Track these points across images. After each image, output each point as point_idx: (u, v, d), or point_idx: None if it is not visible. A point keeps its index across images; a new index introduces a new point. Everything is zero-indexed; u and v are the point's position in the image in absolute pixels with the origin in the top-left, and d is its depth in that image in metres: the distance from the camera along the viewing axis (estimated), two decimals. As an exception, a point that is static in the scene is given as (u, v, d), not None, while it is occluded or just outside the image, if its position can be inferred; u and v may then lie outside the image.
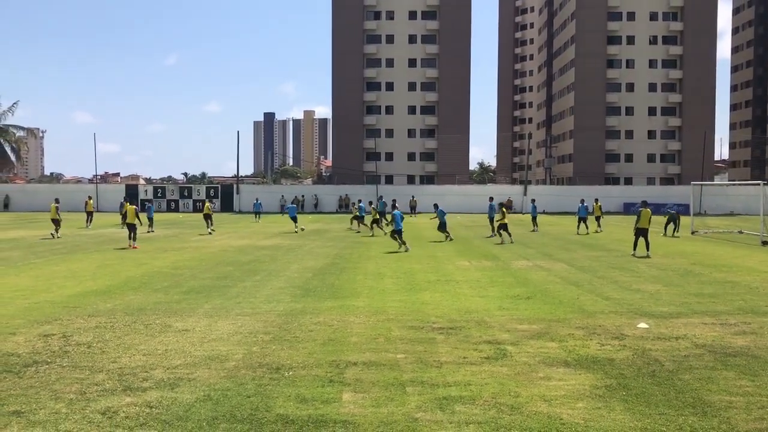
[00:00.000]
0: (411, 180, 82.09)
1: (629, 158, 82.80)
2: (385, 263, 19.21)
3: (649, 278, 16.14)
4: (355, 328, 10.04)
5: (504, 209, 27.46)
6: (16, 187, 69.94)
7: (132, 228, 24.43)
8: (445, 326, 10.23)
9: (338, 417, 6.15)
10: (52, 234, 28.50)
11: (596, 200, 35.53)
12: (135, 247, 23.72)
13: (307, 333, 9.71)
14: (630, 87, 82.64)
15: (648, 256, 20.84)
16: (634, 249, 21.72)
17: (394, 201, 26.67)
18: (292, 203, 38.95)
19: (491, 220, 31.18)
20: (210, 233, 31.45)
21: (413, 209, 54.73)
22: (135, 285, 14.74)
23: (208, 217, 32.95)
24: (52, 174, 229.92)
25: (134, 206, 26.03)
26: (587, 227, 32.66)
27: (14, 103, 72.22)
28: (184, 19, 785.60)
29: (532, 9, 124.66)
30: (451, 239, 27.30)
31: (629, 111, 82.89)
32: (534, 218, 35.25)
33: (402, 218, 24.18)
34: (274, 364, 7.98)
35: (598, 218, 34.38)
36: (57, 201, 29.87)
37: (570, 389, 7.04)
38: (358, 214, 34.28)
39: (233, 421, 6.03)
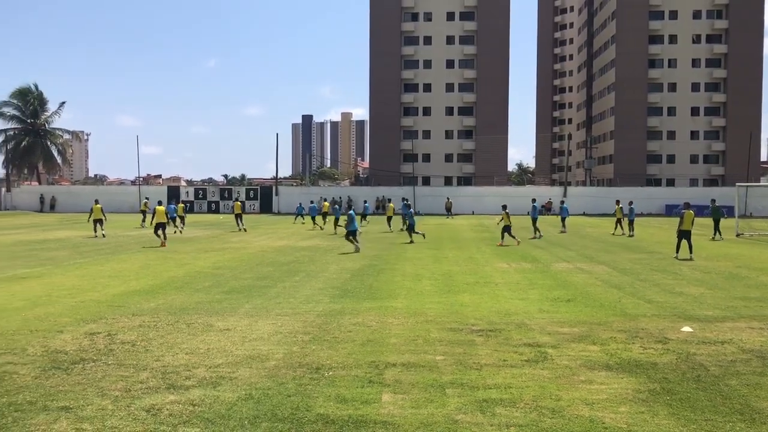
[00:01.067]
0: (448, 181, 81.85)
1: (671, 159, 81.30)
2: (423, 265, 19.19)
3: (692, 281, 15.83)
4: (393, 330, 10.05)
5: (506, 212, 27.22)
6: (62, 189, 71.61)
7: (162, 227, 26.03)
8: (484, 328, 10.18)
9: (378, 418, 6.17)
10: (98, 234, 29.33)
11: (617, 202, 35.19)
12: (164, 245, 25.01)
13: (346, 333, 9.76)
14: (672, 87, 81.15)
15: (691, 259, 20.43)
16: (677, 251, 21.33)
17: (349, 202, 27.34)
18: (312, 203, 39.52)
19: (534, 221, 31.62)
20: (243, 230, 33.62)
21: (449, 211, 54.54)
22: (177, 285, 14.99)
23: (239, 216, 35.06)
24: (96, 176, 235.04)
25: (163, 206, 27.50)
26: (622, 228, 32.38)
27: (61, 105, 74.12)
28: (225, 23, 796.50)
29: (572, 9, 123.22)
30: (411, 242, 27.43)
31: (671, 111, 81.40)
32: (563, 219, 35.30)
33: (355, 219, 24.00)
34: (314, 364, 8.03)
35: (618, 221, 33.80)
36: (97, 202, 30.80)
37: (612, 393, 6.95)
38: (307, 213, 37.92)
39: (274, 420, 6.09)
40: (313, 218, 37.68)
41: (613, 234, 32.44)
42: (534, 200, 33.30)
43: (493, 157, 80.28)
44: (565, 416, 6.24)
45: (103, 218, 30.21)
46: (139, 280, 15.73)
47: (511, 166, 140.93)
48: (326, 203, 39.38)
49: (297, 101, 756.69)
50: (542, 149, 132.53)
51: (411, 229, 28.32)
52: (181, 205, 36.83)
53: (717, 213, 29.83)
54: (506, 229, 26.42)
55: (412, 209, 28.11)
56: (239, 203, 35.92)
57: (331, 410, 6.34)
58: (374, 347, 8.90)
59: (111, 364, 8.04)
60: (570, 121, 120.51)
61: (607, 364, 8.14)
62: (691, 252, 20.88)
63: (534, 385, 7.23)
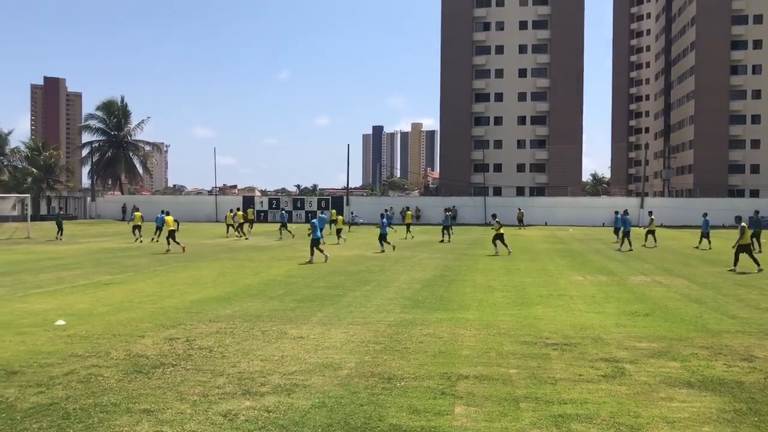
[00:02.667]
0: (520, 192, 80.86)
1: (755, 169, 77.95)
2: (495, 276, 18.98)
3: (780, 297, 15.08)
4: (465, 341, 9.97)
5: (498, 221, 27.77)
6: (143, 198, 74.35)
7: (171, 234, 27.94)
8: (559, 342, 9.98)
9: (451, 430, 6.12)
10: (139, 239, 30.37)
11: (650, 213, 34.26)
12: (169, 251, 27.11)
13: (418, 344, 9.73)
14: (756, 94, 77.93)
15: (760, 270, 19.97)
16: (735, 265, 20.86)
17: (326, 211, 27.96)
18: (322, 214, 39.68)
19: (616, 231, 32.28)
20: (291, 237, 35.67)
21: (520, 221, 53.75)
22: (252, 292, 15.31)
23: (284, 227, 37.07)
24: (174, 186, 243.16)
25: (172, 216, 29.40)
26: (709, 242, 30.81)
27: (143, 120, 77.08)
28: (296, 36, 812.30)
29: (649, 15, 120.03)
30: (382, 251, 27.72)
31: (755, 119, 78.14)
32: (617, 230, 33.72)
33: (318, 228, 23.72)
34: (386, 373, 8.05)
35: (649, 232, 32.52)
36: (137, 209, 32.20)
37: (694, 412, 6.68)
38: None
39: (347, 428, 6.13)
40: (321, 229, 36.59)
41: (696, 247, 30.99)
42: (617, 212, 33.68)
43: (566, 167, 78.90)
44: (644, 435, 6.03)
45: (141, 224, 32.87)
46: (215, 288, 16.15)
47: (586, 177, 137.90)
48: (340, 217, 37.13)
49: (366, 112, 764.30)
50: (618, 159, 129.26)
51: (383, 237, 28.77)
52: (240, 212, 38.86)
53: (759, 225, 28.77)
54: (498, 237, 26.76)
55: (385, 220, 29.76)
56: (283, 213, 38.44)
57: (404, 421, 6.33)
58: (446, 359, 8.85)
59: (189, 369, 8.27)
60: (647, 130, 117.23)
61: (688, 381, 7.84)
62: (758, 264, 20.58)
63: (611, 401, 7.04)
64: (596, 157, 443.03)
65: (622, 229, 30.96)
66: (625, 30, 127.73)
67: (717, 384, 7.72)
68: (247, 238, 35.21)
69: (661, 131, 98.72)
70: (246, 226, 39.04)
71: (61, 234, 35.85)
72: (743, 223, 21.28)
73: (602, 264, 22.90)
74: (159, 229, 33.02)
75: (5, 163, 63.42)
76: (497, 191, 79.26)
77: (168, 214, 30.07)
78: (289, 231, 37.50)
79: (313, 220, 24.38)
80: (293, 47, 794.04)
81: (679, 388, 7.52)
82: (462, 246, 31.92)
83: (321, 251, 23.26)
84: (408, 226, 39.66)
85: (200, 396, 7.10)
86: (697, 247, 30.21)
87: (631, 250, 29.09)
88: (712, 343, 9.94)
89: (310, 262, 22.68)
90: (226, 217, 40.50)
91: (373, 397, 7.06)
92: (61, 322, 11.25)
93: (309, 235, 24.32)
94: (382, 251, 27.74)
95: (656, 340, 10.19)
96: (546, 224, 58.85)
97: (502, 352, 9.26)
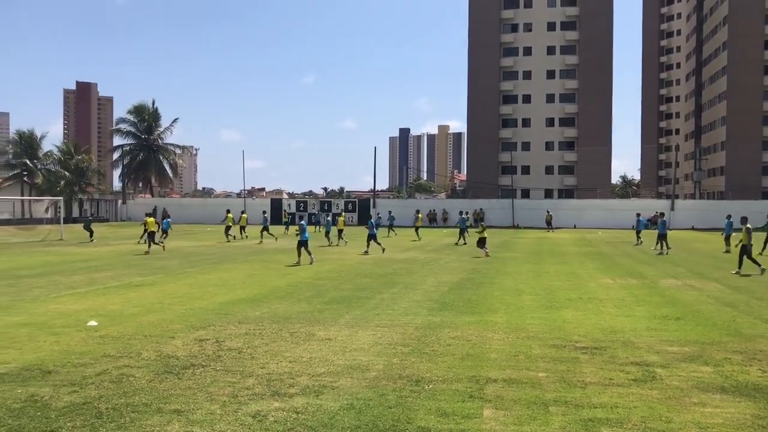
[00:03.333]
0: (549, 194, 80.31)
1: (790, 170, 76.48)
2: (523, 279, 18.87)
3: (816, 301, 14.76)
4: (494, 344, 9.92)
5: (482, 223, 28.53)
6: (172, 201, 75.29)
7: (151, 235, 28.64)
8: (588, 346, 9.88)
9: (480, 433, 6.09)
10: (151, 245, 30.18)
11: (662, 214, 34.13)
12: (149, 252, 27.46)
13: (446, 347, 9.71)
14: (792, 94, 76.45)
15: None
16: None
17: (306, 215, 28.31)
18: (327, 217, 40.38)
19: (638, 233, 33.45)
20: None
21: (549, 224, 53.30)
22: (280, 294, 15.41)
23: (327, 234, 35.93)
24: (203, 189, 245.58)
25: (153, 218, 30.40)
26: (728, 245, 30.23)
27: (174, 121, 77.95)
28: (321, 39, 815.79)
29: (679, 15, 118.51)
30: (366, 252, 28.05)
31: (790, 120, 76.64)
32: (638, 232, 33.98)
33: (306, 230, 23.72)
34: (413, 376, 8.04)
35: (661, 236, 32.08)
36: (148, 215, 32.42)
37: (728, 417, 6.57)
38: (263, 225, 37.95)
39: (376, 431, 6.13)
40: (327, 233, 35.55)
41: (727, 251, 30.43)
42: (639, 214, 35.12)
43: (595, 169, 78.20)
44: (677, 440, 5.95)
45: (156, 230, 31.68)
46: (244, 289, 16.28)
47: (615, 179, 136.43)
48: (341, 218, 37.03)
49: (392, 114, 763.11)
50: (648, 161, 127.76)
51: (372, 238, 28.97)
52: (231, 215, 38.83)
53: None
54: (481, 241, 27.22)
55: (373, 221, 30.62)
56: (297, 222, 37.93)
57: (432, 423, 6.32)
58: (474, 362, 8.82)
59: (219, 369, 8.35)
60: (677, 131, 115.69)
61: (721, 386, 7.71)
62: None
63: (642, 405, 6.95)
64: (626, 159, 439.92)
65: (657, 231, 30.71)
66: (655, 30, 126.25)
67: (752, 389, 7.58)
68: (233, 239, 36.97)
69: (691, 132, 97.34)
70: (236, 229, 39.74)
71: (92, 237, 36.61)
72: (748, 225, 21.07)
73: (632, 267, 22.63)
74: (165, 231, 34.67)
75: (39, 166, 64.52)
76: (525, 193, 78.80)
77: (151, 215, 32.09)
78: (328, 238, 36.36)
79: (301, 222, 24.38)
80: (318, 51, 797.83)
81: (712, 394, 7.40)
82: (490, 249, 31.74)
83: (309, 253, 23.26)
84: (417, 229, 40.75)
85: (230, 397, 7.16)
86: (727, 251, 29.62)
87: (661, 253, 28.72)
88: (745, 348, 9.77)
89: (297, 263, 22.75)
90: (225, 218, 41.00)
91: (402, 400, 7.05)
92: (93, 323, 11.43)
93: (297, 235, 24.75)
94: (366, 252, 28.02)
95: (688, 344, 10.04)
96: (575, 227, 58.32)
97: (530, 356, 9.20)
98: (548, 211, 54.63)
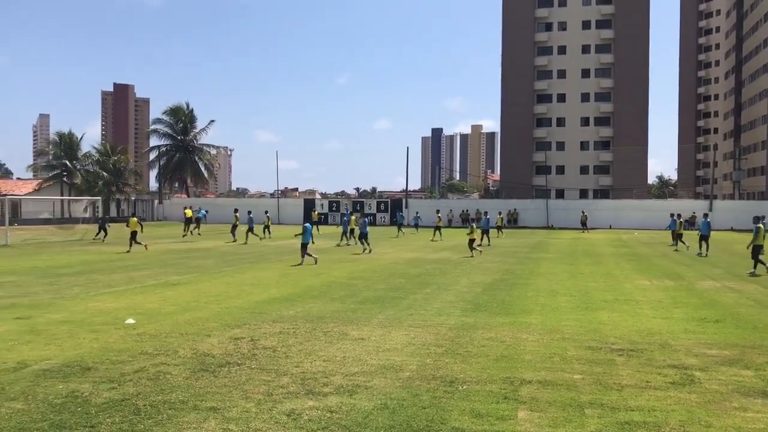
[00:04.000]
0: (584, 194, 79.41)
1: (834, 170, 74.53)
2: (558, 280, 18.69)
3: None
4: (528, 346, 9.84)
5: (473, 225, 28.91)
6: (207, 201, 76.15)
7: (133, 235, 29.13)
8: (625, 348, 9.75)
9: (514, 435, 6.05)
10: (145, 245, 29.89)
11: (678, 215, 33.75)
12: (129, 251, 28.11)
13: (480, 348, 9.66)
14: (835, 91, 74.49)
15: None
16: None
17: (313, 212, 27.77)
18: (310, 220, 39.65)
19: (674, 234, 32.92)
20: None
21: (584, 224, 52.72)
22: (314, 294, 15.49)
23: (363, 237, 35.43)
24: (238, 189, 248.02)
25: (136, 218, 30.56)
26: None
27: (208, 124, 78.96)
28: (354, 40, 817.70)
29: (718, 12, 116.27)
30: (369, 251, 28.51)
31: (834, 118, 74.69)
32: (673, 233, 33.40)
33: (308, 231, 23.44)
34: (447, 377, 8.01)
35: (679, 236, 32.05)
36: (133, 215, 32.82)
37: (771, 423, 6.42)
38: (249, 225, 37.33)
39: (410, 431, 6.13)
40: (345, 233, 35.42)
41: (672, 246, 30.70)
42: (673, 214, 34.72)
43: (631, 168, 77.13)
44: (716, 445, 5.84)
45: (138, 230, 30.73)
46: (278, 288, 16.41)
47: (651, 179, 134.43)
48: (353, 217, 36.59)
49: (424, 114, 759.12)
50: (685, 160, 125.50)
51: (363, 237, 29.37)
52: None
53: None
54: (471, 242, 27.40)
55: (366, 219, 31.03)
56: (354, 218, 36.90)
57: (467, 424, 6.29)
58: (508, 363, 8.76)
59: (254, 368, 8.42)
60: (716, 130, 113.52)
61: (763, 391, 7.54)
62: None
63: (680, 409, 6.83)
64: (662, 158, 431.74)
65: (698, 232, 30.20)
66: (693, 28, 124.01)
67: (794, 394, 7.40)
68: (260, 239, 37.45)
69: (731, 131, 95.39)
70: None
71: (105, 236, 36.53)
72: (760, 224, 21.16)
73: (669, 268, 22.27)
74: (251, 230, 36.61)
75: (78, 167, 65.82)
76: (560, 194, 78.07)
77: (134, 215, 33.10)
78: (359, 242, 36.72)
79: (305, 224, 23.98)
80: (352, 52, 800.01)
81: (753, 398, 7.24)
82: (524, 250, 31.53)
83: (310, 255, 23.05)
84: (438, 229, 40.73)
85: (265, 395, 7.22)
86: (674, 247, 29.83)
87: (700, 254, 28.22)
88: (788, 352, 9.54)
89: (300, 264, 22.61)
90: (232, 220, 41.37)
91: (435, 400, 7.04)
92: (131, 321, 11.62)
93: (297, 235, 25.02)
94: (365, 250, 28.64)
95: (728, 347, 9.84)
96: (610, 227, 57.61)
97: (565, 357, 9.11)
98: (583, 212, 54.04)
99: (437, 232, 40.58)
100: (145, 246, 29.53)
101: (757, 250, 20.74)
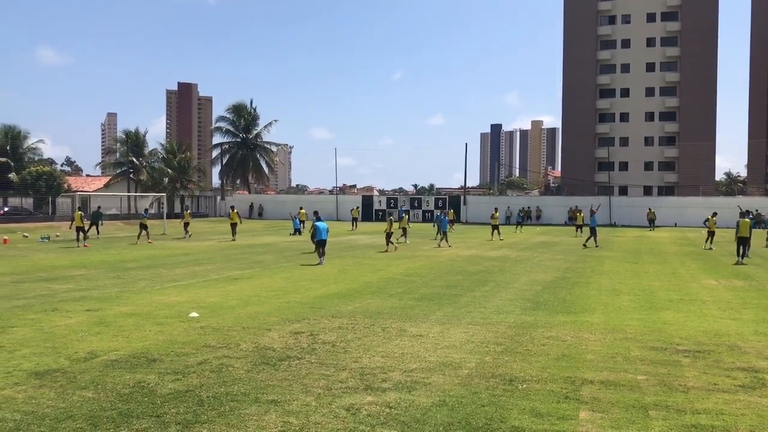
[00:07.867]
0: (648, 191, 77.37)
1: None
2: (620, 279, 18.28)
3: None
4: (590, 345, 9.66)
5: (391, 218, 29.99)
6: (268, 198, 77.37)
7: (82, 230, 29.68)
8: (691, 349, 9.46)
9: (575, 435, 5.95)
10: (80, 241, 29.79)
11: (714, 214, 32.42)
12: (87, 246, 28.94)
13: (540, 347, 9.53)
14: None
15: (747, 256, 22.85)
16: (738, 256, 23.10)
17: (315, 212, 26.32)
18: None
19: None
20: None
21: (651, 222, 51.34)
22: (372, 289, 15.57)
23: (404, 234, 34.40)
24: (297, 185, 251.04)
25: (81, 213, 30.47)
26: None
27: (271, 122, 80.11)
28: (408, 36, 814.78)
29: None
30: (395, 248, 28.33)
31: None
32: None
33: (327, 230, 22.92)
34: (507, 375, 7.94)
35: (711, 234, 30.72)
36: (80, 209, 31.98)
37: None
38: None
39: (468, 429, 6.09)
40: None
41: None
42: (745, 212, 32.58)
43: (698, 165, 74.72)
44: (789, 452, 5.61)
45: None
46: (337, 284, 16.55)
47: (719, 175, 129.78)
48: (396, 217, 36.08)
49: (480, 110, 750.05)
50: (755, 156, 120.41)
51: (444, 234, 30.77)
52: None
53: None
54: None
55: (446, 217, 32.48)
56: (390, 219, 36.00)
57: (526, 424, 6.22)
58: (570, 362, 8.61)
59: (313, 362, 8.52)
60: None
61: (840, 397, 7.21)
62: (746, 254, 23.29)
63: (750, 413, 6.59)
64: (731, 154, 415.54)
65: None
66: (765, 17, 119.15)
67: None
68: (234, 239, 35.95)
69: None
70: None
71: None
72: (746, 219, 23.72)
73: (738, 268, 21.51)
74: (297, 230, 38.31)
75: (144, 164, 67.73)
76: (623, 190, 76.31)
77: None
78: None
79: (317, 223, 23.20)
80: (406, 48, 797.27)
81: (829, 404, 6.93)
82: (589, 249, 30.93)
83: (322, 254, 22.48)
84: (495, 227, 37.49)
85: (324, 389, 7.29)
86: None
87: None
88: None
89: (319, 263, 21.82)
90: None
91: (495, 398, 6.98)
92: (194, 314, 11.91)
93: (309, 231, 25.26)
94: (396, 248, 28.46)
95: (802, 350, 9.44)
96: (675, 225, 55.99)
97: (629, 358, 8.90)
98: (650, 209, 52.65)
99: (495, 231, 37.33)
100: (85, 245, 28.97)
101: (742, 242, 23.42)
